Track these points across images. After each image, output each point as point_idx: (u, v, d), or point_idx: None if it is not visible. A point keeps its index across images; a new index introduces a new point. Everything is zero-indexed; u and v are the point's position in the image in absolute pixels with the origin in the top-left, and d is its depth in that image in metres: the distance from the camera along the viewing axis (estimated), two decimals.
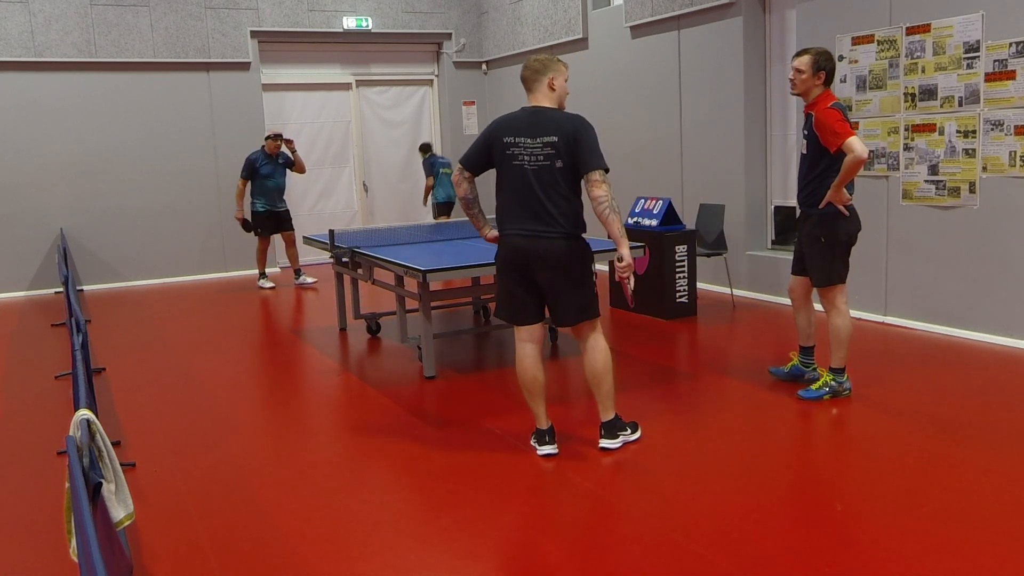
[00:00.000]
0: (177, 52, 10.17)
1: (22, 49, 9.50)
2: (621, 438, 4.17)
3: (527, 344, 4.11)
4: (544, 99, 4.04)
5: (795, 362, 5.10)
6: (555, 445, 4.13)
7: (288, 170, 9.55)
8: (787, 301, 7.24)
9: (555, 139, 3.92)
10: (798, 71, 4.60)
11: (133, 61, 10.00)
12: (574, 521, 3.39)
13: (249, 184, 9.36)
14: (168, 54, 10.12)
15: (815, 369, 5.02)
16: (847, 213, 4.58)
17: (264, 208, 9.36)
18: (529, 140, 3.95)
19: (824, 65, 4.55)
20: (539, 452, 4.13)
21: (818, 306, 4.93)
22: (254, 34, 10.58)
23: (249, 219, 9.45)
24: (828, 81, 4.59)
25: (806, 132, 4.66)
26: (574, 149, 3.91)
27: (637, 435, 4.24)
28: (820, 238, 4.64)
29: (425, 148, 10.74)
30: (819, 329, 4.93)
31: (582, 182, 3.97)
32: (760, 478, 3.72)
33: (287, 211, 9.60)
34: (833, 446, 4.09)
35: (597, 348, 4.09)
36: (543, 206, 3.94)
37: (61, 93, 9.77)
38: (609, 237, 4.03)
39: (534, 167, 3.94)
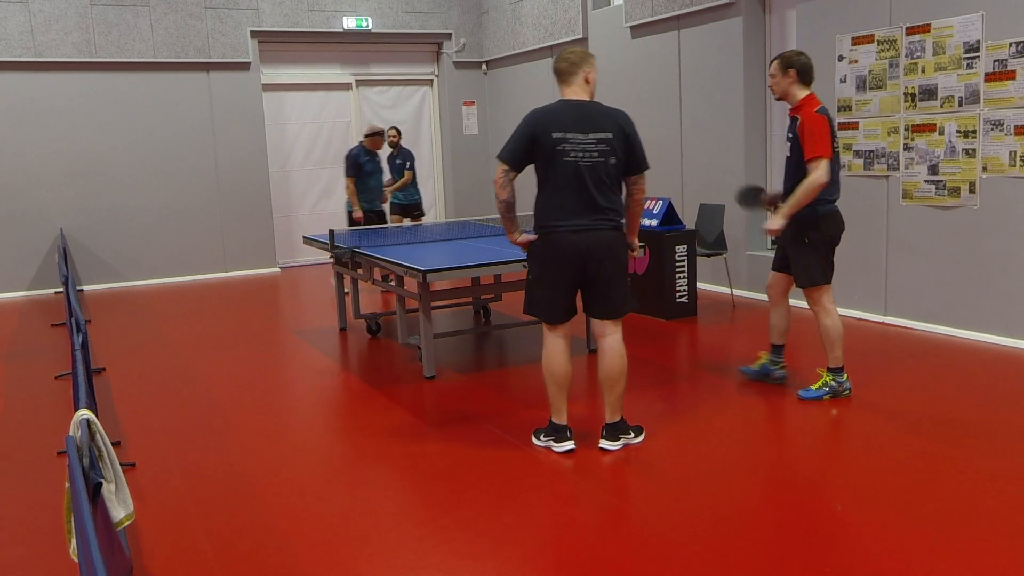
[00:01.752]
0: (177, 52, 10.17)
1: (22, 49, 9.51)
2: (623, 440, 4.16)
3: (561, 339, 4.10)
4: (581, 92, 4.03)
5: (763, 360, 5.10)
6: (574, 441, 4.15)
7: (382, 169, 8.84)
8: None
9: (610, 135, 3.95)
10: (771, 76, 4.71)
11: (133, 61, 10.00)
12: (574, 521, 3.39)
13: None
14: (168, 54, 10.13)
15: (783, 367, 5.01)
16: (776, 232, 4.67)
17: (366, 207, 8.66)
18: (580, 136, 3.91)
19: (793, 63, 4.59)
20: (558, 449, 4.11)
21: (797, 301, 4.89)
22: (254, 34, 10.58)
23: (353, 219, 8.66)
24: (804, 79, 4.62)
25: (790, 135, 4.68)
26: (627, 147, 4.00)
27: (640, 439, 4.23)
28: (804, 239, 4.66)
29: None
30: (794, 327, 4.87)
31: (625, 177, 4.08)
32: (760, 478, 3.72)
33: (383, 211, 8.94)
34: (833, 446, 4.08)
35: (616, 351, 4.09)
36: (595, 201, 3.95)
37: (61, 93, 9.78)
38: (630, 230, 4.21)
39: (588, 163, 3.92)
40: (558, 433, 4.15)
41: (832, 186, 4.57)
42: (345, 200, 8.85)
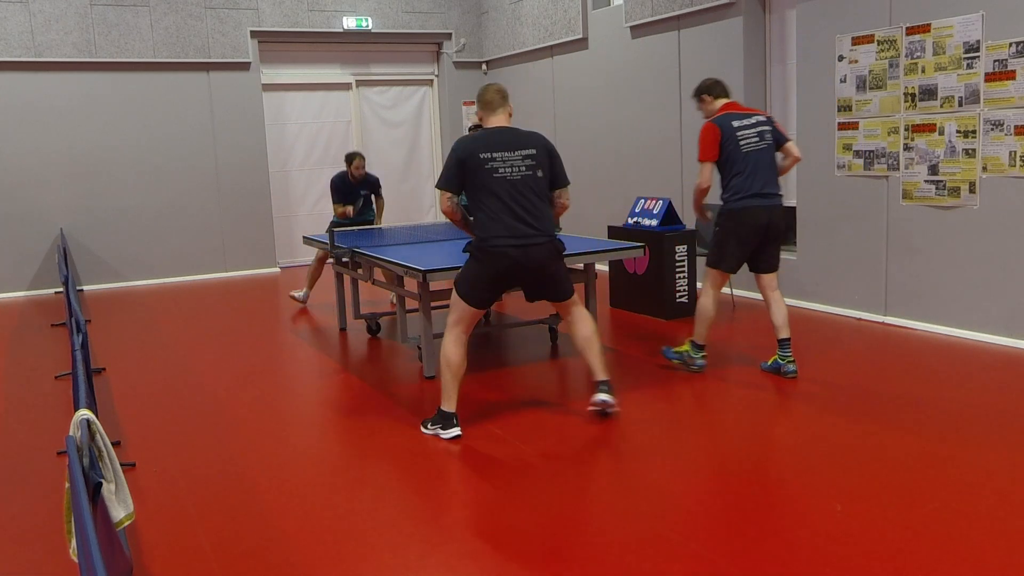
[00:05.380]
0: (177, 52, 10.17)
1: (22, 49, 9.51)
2: (613, 396, 4.53)
3: (463, 333, 4.44)
4: (505, 121, 4.50)
5: (776, 356, 5.26)
6: (459, 428, 4.44)
7: None
8: (785, 301, 7.25)
9: (534, 151, 4.39)
10: (699, 110, 5.35)
11: (133, 61, 10.00)
12: (575, 521, 3.39)
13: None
14: (168, 54, 10.13)
15: (792, 361, 5.17)
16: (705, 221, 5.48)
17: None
18: (508, 154, 4.33)
19: (697, 92, 5.28)
20: (445, 436, 4.38)
21: (797, 301, 4.94)
22: (254, 34, 10.58)
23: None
24: (715, 94, 5.22)
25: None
26: (550, 163, 4.45)
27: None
28: (716, 226, 5.21)
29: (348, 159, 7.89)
30: (792, 321, 4.92)
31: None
32: (760, 479, 3.72)
33: None
34: (833, 447, 4.08)
35: (584, 315, 4.58)
36: (527, 212, 4.32)
37: (61, 93, 9.77)
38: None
39: (517, 177, 4.32)
40: (445, 420, 4.43)
41: (748, 180, 5.00)
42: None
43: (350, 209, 7.91)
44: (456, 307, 4.43)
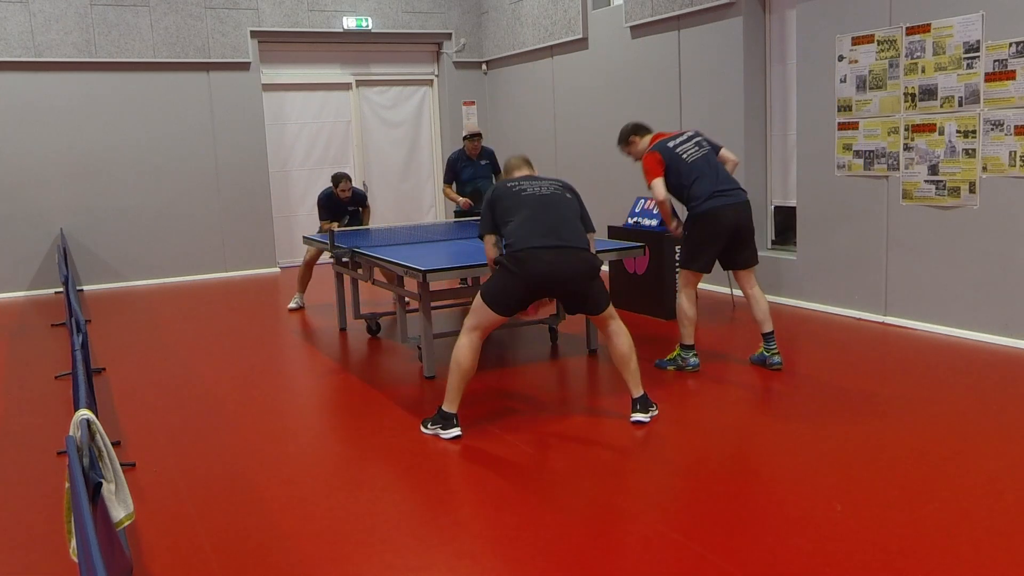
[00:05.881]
0: (177, 52, 10.17)
1: (22, 49, 9.51)
2: (650, 413, 4.53)
3: (478, 339, 4.47)
4: (529, 172, 4.71)
5: (761, 349, 5.40)
6: (460, 428, 4.44)
7: (494, 175, 8.19)
8: (785, 301, 7.27)
9: (560, 184, 4.56)
10: (628, 155, 5.61)
11: (133, 61, 10.00)
12: (575, 521, 3.39)
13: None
14: (168, 54, 10.13)
15: (776, 354, 5.31)
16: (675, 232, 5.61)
17: (461, 210, 8.19)
18: (534, 182, 4.51)
19: (623, 138, 5.56)
20: (445, 436, 4.38)
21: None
22: (254, 34, 10.58)
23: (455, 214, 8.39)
24: (641, 133, 5.51)
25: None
26: (577, 199, 4.56)
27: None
28: (685, 231, 5.38)
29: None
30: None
31: None
32: (759, 478, 3.72)
33: None
34: (834, 447, 4.08)
35: (621, 332, 4.51)
36: (558, 222, 4.40)
37: (61, 93, 9.77)
38: None
39: (547, 193, 4.45)
40: (445, 421, 4.43)
41: (704, 183, 5.18)
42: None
43: (335, 225, 7.97)
44: (477, 312, 4.39)
